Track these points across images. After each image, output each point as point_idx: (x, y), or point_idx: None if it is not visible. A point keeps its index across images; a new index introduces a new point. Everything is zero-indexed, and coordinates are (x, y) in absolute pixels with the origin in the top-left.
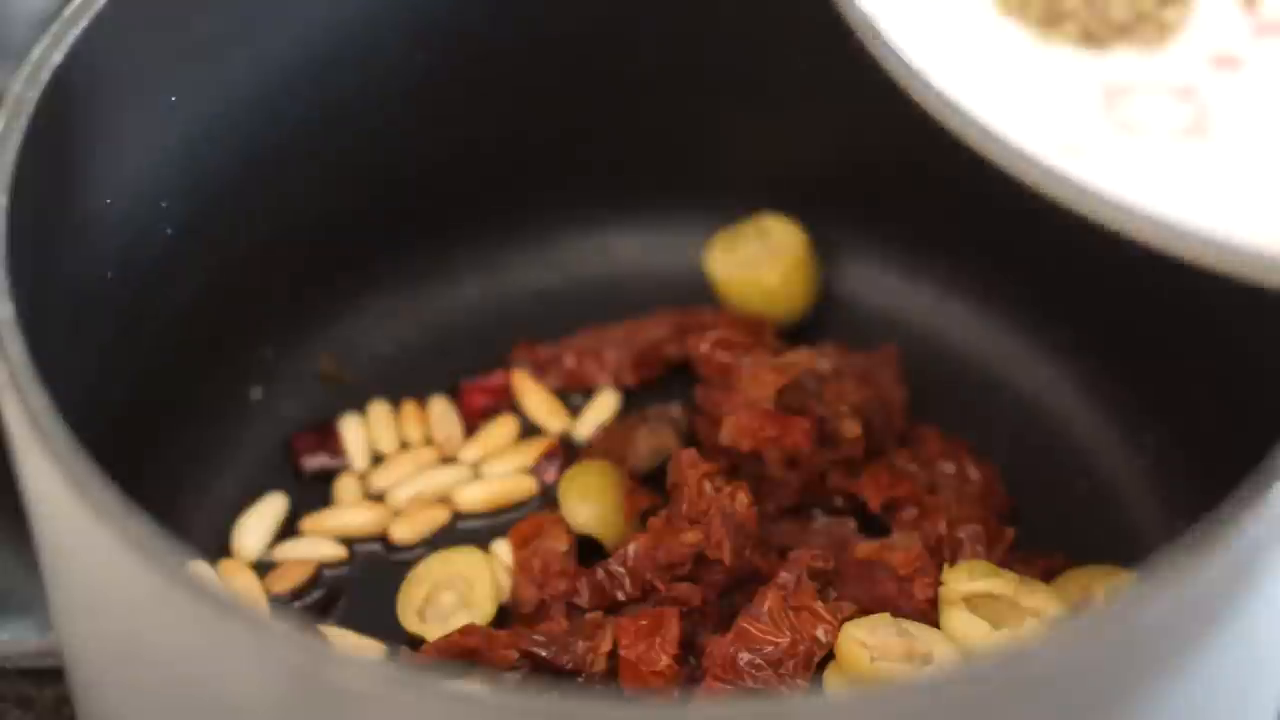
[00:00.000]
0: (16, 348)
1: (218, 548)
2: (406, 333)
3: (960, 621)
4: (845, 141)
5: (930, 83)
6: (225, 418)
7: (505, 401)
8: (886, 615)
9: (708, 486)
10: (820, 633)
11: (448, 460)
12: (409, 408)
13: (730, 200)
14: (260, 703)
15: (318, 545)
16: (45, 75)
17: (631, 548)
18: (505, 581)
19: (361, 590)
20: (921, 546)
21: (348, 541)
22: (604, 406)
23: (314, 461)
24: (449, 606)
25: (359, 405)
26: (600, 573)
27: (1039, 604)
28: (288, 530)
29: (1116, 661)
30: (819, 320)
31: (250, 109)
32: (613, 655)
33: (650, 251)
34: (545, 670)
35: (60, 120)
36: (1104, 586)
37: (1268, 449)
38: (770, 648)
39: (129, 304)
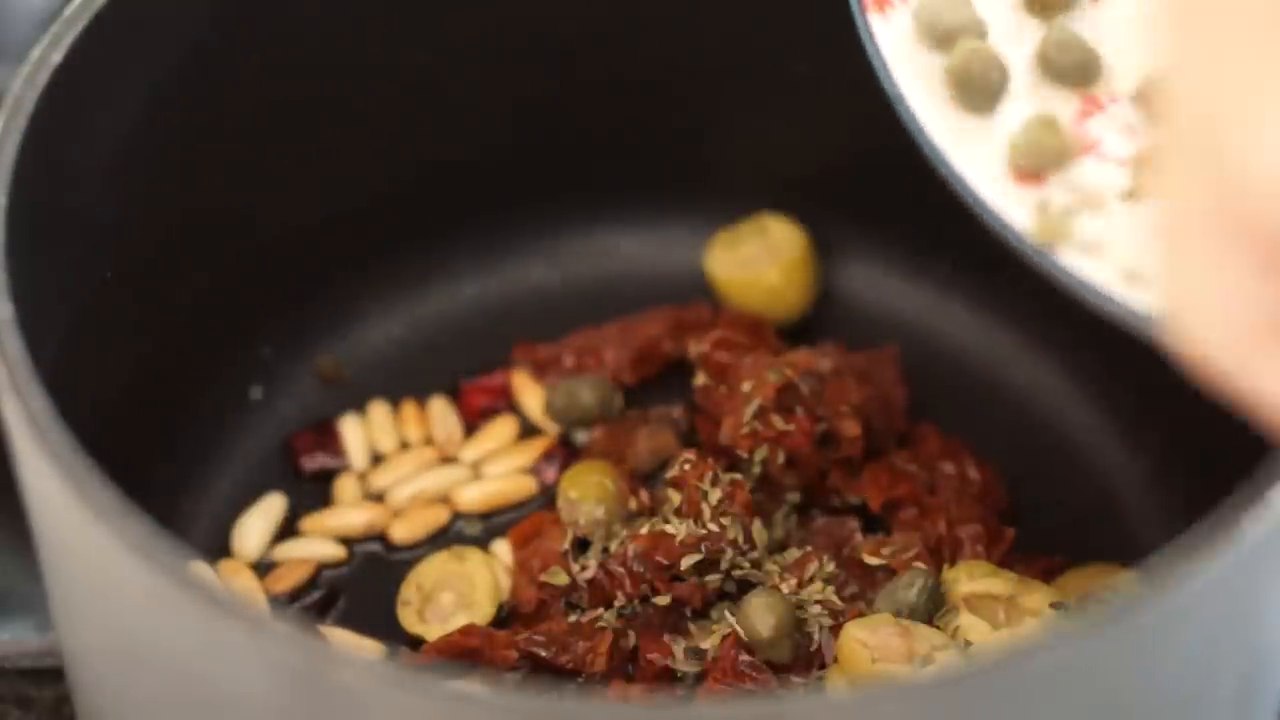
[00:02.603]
0: (16, 348)
1: (218, 548)
2: (406, 333)
3: (960, 621)
4: (846, 142)
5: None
6: (225, 418)
7: (505, 401)
8: (886, 615)
9: (707, 486)
10: (820, 633)
11: (447, 460)
12: (409, 408)
13: (730, 200)
14: (260, 703)
15: (317, 545)
16: (45, 75)
17: (631, 548)
18: (505, 581)
19: (361, 590)
20: (921, 546)
21: (347, 541)
22: None
23: (313, 461)
24: (449, 606)
25: (359, 405)
26: (600, 573)
27: (1039, 604)
28: (287, 530)
29: (1116, 661)
30: (819, 320)
31: (249, 110)
32: (613, 655)
33: (650, 251)
34: (545, 670)
35: (60, 120)
36: (1104, 586)
37: (1267, 449)
38: None
39: (129, 304)
